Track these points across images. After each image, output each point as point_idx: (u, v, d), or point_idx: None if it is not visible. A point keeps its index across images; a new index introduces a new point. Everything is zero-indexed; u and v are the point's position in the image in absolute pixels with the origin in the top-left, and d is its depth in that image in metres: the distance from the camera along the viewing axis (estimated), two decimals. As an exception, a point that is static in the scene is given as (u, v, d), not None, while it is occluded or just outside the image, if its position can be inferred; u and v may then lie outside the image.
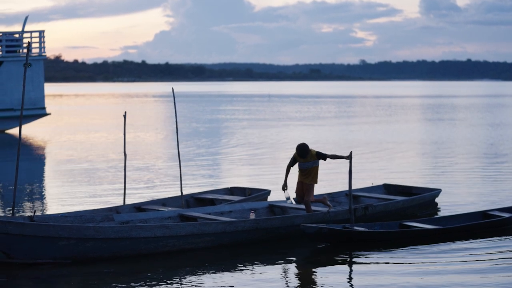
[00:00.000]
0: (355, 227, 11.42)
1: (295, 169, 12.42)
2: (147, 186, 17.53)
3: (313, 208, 12.50)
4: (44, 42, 36.58)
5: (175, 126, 13.65)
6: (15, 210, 11.78)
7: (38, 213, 13.33)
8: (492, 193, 16.20)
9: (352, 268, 10.07)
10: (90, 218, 11.51)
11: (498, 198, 15.50)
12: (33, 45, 36.23)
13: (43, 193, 16.73)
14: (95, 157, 23.96)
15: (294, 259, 10.63)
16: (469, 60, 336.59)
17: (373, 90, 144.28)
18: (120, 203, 13.77)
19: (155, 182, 18.20)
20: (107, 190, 16.88)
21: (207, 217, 11.75)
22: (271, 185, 16.57)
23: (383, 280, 9.35)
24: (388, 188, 15.15)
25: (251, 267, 10.05)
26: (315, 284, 9.35)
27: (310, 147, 12.27)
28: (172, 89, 14.13)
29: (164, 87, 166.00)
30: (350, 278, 9.55)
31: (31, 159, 24.12)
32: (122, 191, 13.31)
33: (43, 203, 15.29)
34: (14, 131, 35.83)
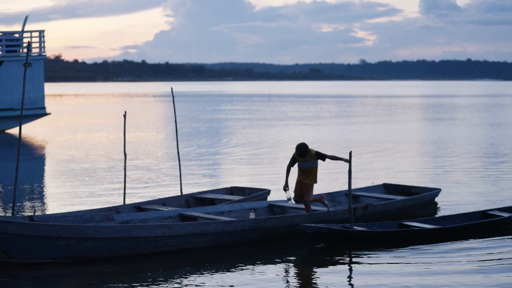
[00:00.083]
0: (354, 227, 11.43)
1: (295, 169, 12.42)
2: (147, 186, 17.54)
3: (312, 207, 12.51)
4: (44, 42, 36.59)
5: (174, 125, 13.66)
6: (15, 210, 11.79)
7: (38, 213, 13.33)
8: (492, 192, 16.20)
9: (352, 267, 10.07)
10: (90, 218, 11.52)
11: (498, 197, 15.51)
12: (33, 45, 36.24)
13: (43, 193, 16.74)
14: (95, 157, 23.97)
15: (294, 258, 10.64)
16: (469, 60, 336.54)
17: (373, 89, 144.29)
18: (120, 202, 13.78)
19: (155, 181, 18.22)
20: (107, 190, 16.89)
21: (207, 216, 11.76)
22: (270, 184, 16.58)
23: (382, 279, 9.36)
24: (388, 188, 15.15)
25: (251, 266, 10.06)
26: (314, 283, 9.36)
27: (310, 146, 12.28)
28: (171, 88, 14.13)
29: (164, 86, 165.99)
30: (350, 278, 9.56)
31: (31, 159, 24.13)
32: (122, 191, 13.32)
33: (43, 203, 15.30)
34: (14, 131, 35.84)
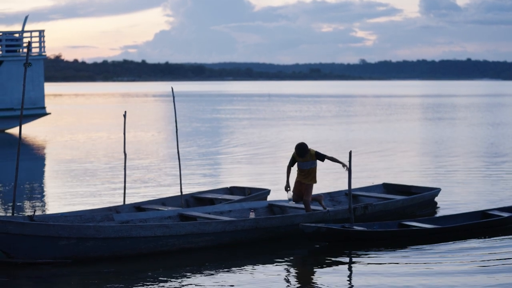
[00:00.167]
0: (354, 227, 11.44)
1: (295, 169, 12.43)
2: (147, 185, 17.55)
3: (312, 207, 12.52)
4: (44, 41, 36.60)
5: (174, 125, 13.67)
6: (15, 210, 11.80)
7: (38, 213, 13.34)
8: (492, 192, 16.21)
9: (351, 267, 10.08)
10: (90, 218, 11.53)
11: (497, 197, 15.51)
12: (33, 45, 36.25)
13: (43, 193, 16.76)
14: (95, 156, 23.98)
15: (293, 258, 10.65)
16: (469, 60, 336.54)
17: (373, 89, 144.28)
18: (120, 202, 13.79)
19: (155, 181, 18.22)
20: (107, 189, 16.90)
21: (206, 216, 11.77)
22: (270, 184, 16.59)
23: (382, 279, 9.36)
24: (388, 188, 15.16)
25: (251, 266, 10.07)
26: (314, 283, 9.37)
27: (310, 146, 12.29)
28: (172, 88, 14.13)
29: (164, 86, 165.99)
30: (349, 278, 9.56)
31: (31, 159, 24.14)
32: (122, 191, 13.33)
33: (43, 202, 15.31)
34: (14, 130, 35.85)
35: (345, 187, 14.57)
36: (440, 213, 13.91)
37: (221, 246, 11.02)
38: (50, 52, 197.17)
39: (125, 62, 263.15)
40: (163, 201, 13.26)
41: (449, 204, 14.68)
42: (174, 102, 13.88)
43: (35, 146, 28.67)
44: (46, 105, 37.46)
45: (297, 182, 12.29)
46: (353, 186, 13.32)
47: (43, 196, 16.31)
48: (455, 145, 27.69)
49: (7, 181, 18.10)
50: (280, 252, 10.86)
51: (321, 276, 9.71)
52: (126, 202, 13.29)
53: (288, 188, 12.32)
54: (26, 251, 9.94)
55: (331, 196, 14.11)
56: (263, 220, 11.37)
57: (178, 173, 13.67)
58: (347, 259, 10.47)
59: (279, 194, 14.87)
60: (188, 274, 9.70)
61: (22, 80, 32.88)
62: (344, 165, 12.06)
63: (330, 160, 12.19)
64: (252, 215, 12.10)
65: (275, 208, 13.12)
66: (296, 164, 12.27)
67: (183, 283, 9.26)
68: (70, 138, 31.42)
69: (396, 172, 19.57)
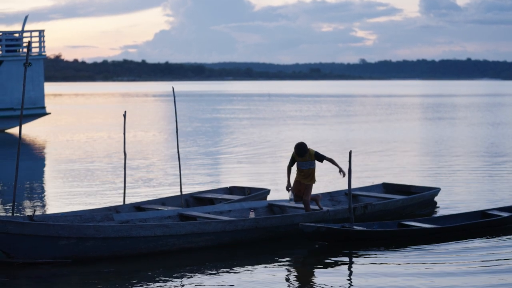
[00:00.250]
0: (353, 226, 11.44)
1: (295, 168, 12.43)
2: (147, 185, 17.55)
3: (312, 207, 12.52)
4: (44, 41, 36.60)
5: (175, 125, 13.67)
6: (15, 210, 11.81)
7: (38, 213, 13.34)
8: (491, 192, 16.22)
9: (351, 267, 10.09)
10: (89, 218, 11.53)
11: (497, 197, 15.52)
12: (33, 45, 36.25)
13: (43, 193, 16.76)
14: (95, 156, 23.99)
15: (293, 258, 10.65)
16: (469, 59, 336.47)
17: (373, 89, 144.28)
18: (120, 202, 13.80)
19: (154, 181, 18.23)
20: (107, 189, 16.91)
21: (206, 216, 11.78)
22: (270, 184, 16.60)
23: (382, 279, 9.37)
24: (387, 187, 15.17)
25: (251, 266, 10.08)
26: (314, 283, 9.38)
27: (310, 146, 12.30)
28: (173, 88, 14.15)
29: (164, 86, 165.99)
30: (349, 278, 9.57)
31: (31, 159, 24.14)
32: (122, 191, 13.34)
33: (43, 202, 15.31)
34: (14, 130, 35.86)
35: (345, 186, 14.58)
36: (440, 213, 13.92)
37: (221, 246, 11.02)
38: (50, 52, 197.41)
39: (125, 62, 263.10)
40: (163, 201, 13.27)
41: (448, 204, 14.69)
42: (175, 102, 13.88)
43: (35, 146, 28.68)
44: (46, 105, 37.47)
45: (296, 182, 12.29)
46: (353, 186, 13.32)
47: (43, 196, 16.32)
48: (455, 145, 27.70)
49: (7, 181, 18.11)
50: (280, 252, 10.87)
51: (321, 276, 9.72)
52: (126, 202, 13.30)
53: (290, 188, 12.32)
54: (26, 251, 9.94)
55: (331, 196, 14.12)
56: (263, 220, 11.38)
57: (178, 173, 13.68)
58: (346, 259, 10.48)
59: (279, 194, 14.88)
60: (188, 274, 9.70)
61: (22, 80, 32.88)
62: (341, 171, 12.10)
63: (329, 161, 12.19)
64: (252, 215, 12.11)
65: (275, 208, 13.13)
66: (295, 163, 12.28)
67: (183, 283, 9.27)
68: (70, 138, 31.43)
69: (396, 172, 19.57)
